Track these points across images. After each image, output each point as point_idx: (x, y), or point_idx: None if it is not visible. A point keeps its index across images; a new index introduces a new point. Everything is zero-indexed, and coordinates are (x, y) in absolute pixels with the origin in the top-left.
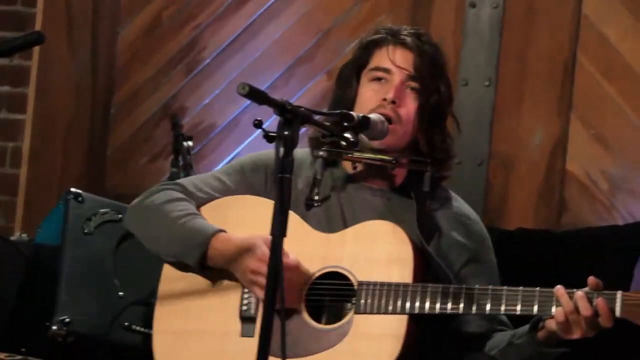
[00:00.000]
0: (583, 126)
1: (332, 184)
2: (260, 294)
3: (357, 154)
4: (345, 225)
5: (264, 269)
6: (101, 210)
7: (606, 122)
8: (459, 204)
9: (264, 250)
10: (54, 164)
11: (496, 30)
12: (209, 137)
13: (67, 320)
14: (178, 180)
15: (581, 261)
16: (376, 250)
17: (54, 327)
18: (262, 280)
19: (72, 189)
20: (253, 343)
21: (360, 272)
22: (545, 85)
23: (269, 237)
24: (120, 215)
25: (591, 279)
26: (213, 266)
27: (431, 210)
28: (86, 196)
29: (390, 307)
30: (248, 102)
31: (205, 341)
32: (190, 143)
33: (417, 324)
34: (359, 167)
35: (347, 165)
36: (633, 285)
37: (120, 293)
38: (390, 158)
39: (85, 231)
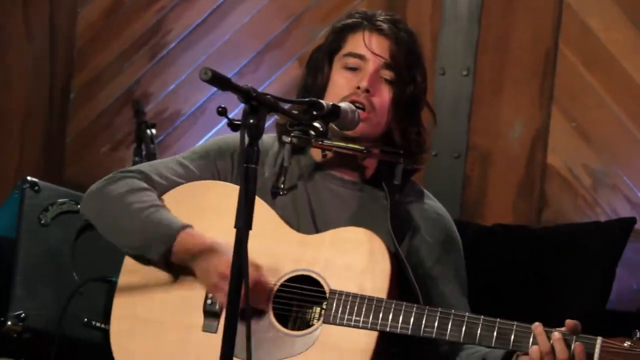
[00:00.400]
0: (564, 118)
1: (299, 173)
2: (224, 299)
3: (327, 142)
4: (313, 217)
5: (226, 287)
6: (59, 201)
7: (588, 114)
8: (432, 201)
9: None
10: (10, 151)
11: (475, 17)
12: (173, 125)
13: (23, 315)
14: (139, 166)
15: (562, 259)
16: (352, 259)
17: (9, 323)
18: (223, 297)
19: (29, 178)
20: (214, 339)
21: (333, 279)
22: (525, 75)
23: None
24: (79, 206)
25: (569, 322)
26: (176, 262)
27: (402, 206)
28: (43, 185)
29: (360, 322)
30: (215, 88)
31: (165, 331)
32: (153, 131)
33: (386, 340)
34: (329, 155)
35: (315, 153)
36: (617, 284)
37: (80, 288)
38: (362, 148)
39: (42, 222)
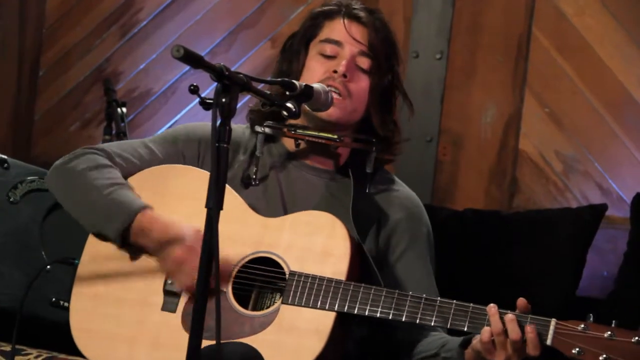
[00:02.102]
0: (537, 104)
1: (271, 162)
2: (182, 284)
3: (300, 131)
4: (285, 206)
5: (190, 262)
6: (28, 178)
7: (561, 100)
8: (403, 188)
9: (194, 243)
10: None
11: (449, 1)
12: (144, 104)
13: None
14: (104, 145)
15: (532, 244)
16: (313, 242)
17: None
18: (188, 269)
19: None
20: (173, 318)
21: (293, 261)
22: (498, 60)
23: (200, 231)
24: None
25: (520, 301)
26: (134, 243)
27: (372, 194)
28: (12, 162)
29: (319, 302)
30: (186, 68)
31: (124, 309)
32: (124, 110)
33: (344, 323)
34: (302, 144)
35: (287, 142)
36: (587, 271)
37: (48, 267)
38: (335, 137)
39: (11, 200)
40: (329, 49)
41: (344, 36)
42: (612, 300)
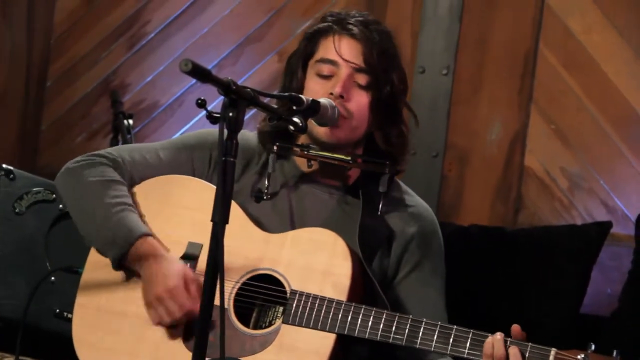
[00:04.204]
0: (543, 120)
1: (282, 178)
2: (153, 319)
3: (312, 152)
4: (293, 223)
5: (168, 302)
6: (34, 189)
7: (567, 116)
8: (417, 203)
9: (178, 284)
10: None
11: (456, 16)
12: (150, 116)
13: None
14: (117, 153)
15: (537, 261)
16: (314, 260)
17: None
18: (161, 311)
19: (4, 165)
20: (173, 333)
21: (294, 279)
22: (505, 76)
23: (190, 273)
24: (54, 195)
25: (515, 328)
26: (129, 267)
27: (384, 213)
28: (18, 173)
29: (319, 323)
30: (193, 80)
31: (125, 322)
32: (130, 122)
33: (345, 344)
34: (315, 164)
35: (299, 159)
36: (591, 288)
37: (52, 278)
38: (348, 158)
39: (17, 211)
40: (325, 69)
41: (338, 55)
42: (616, 318)
